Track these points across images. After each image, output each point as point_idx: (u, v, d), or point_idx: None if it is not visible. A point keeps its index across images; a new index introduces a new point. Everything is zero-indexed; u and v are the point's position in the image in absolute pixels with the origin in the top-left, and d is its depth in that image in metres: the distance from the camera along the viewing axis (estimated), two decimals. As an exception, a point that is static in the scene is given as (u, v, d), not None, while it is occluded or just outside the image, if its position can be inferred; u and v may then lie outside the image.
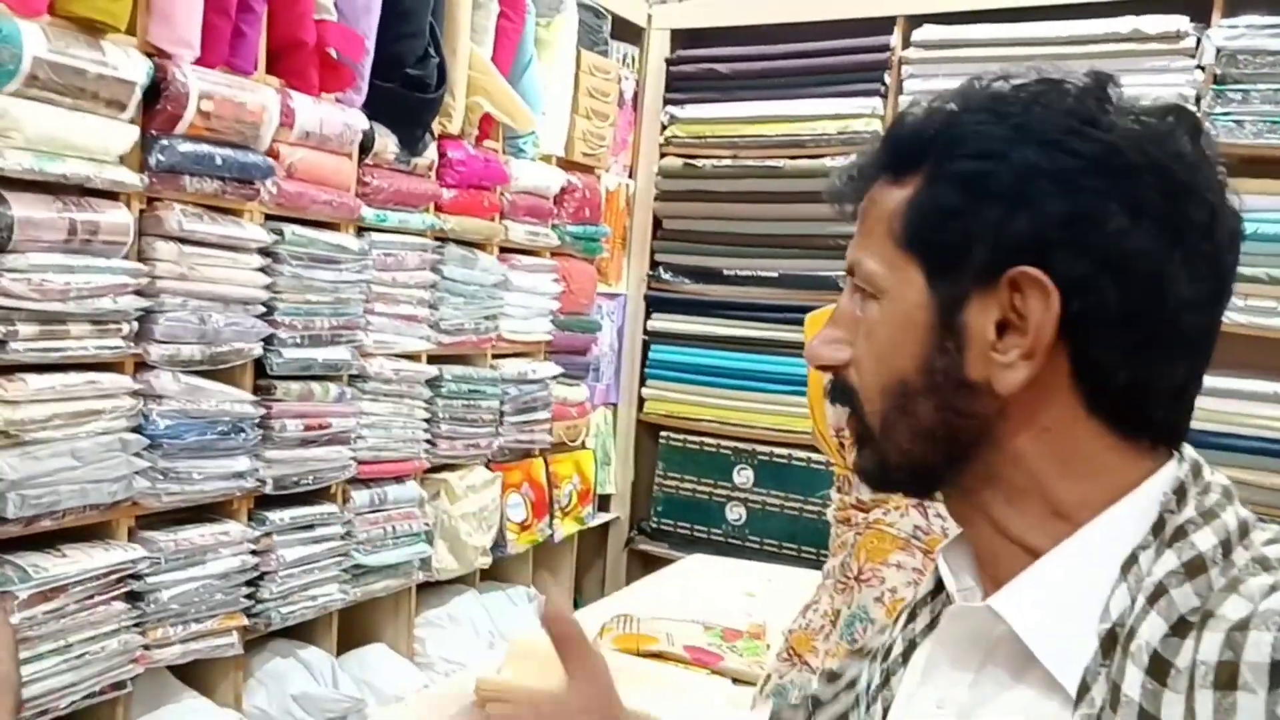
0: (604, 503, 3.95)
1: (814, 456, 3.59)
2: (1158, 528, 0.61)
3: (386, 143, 2.67)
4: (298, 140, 2.39)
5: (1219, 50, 3.00)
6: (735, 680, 1.87)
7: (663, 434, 3.91)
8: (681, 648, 1.93)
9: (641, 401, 4.00)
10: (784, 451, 3.65)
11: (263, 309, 2.36)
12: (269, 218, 2.39)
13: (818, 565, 3.40)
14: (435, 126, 2.82)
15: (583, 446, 3.68)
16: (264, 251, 2.35)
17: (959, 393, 0.64)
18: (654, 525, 3.91)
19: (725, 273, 3.80)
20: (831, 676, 0.90)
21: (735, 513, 3.71)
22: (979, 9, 3.39)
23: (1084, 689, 0.59)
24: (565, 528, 3.56)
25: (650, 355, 3.99)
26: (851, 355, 0.70)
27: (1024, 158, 0.61)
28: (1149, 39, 3.10)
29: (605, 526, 3.99)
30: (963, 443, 0.66)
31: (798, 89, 3.67)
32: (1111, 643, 0.59)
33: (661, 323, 3.96)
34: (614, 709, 0.83)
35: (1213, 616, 0.55)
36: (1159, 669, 0.56)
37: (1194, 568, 0.58)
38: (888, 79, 3.54)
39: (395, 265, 2.76)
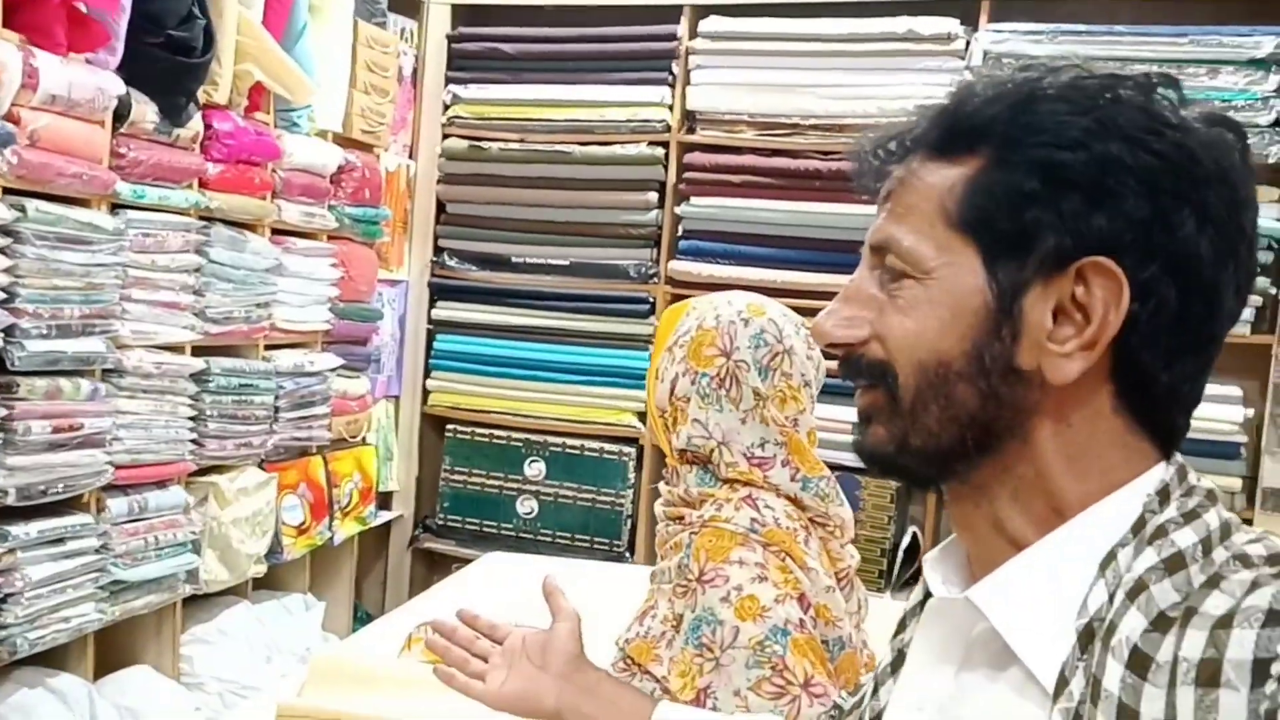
0: (385, 500, 3.78)
1: (606, 447, 3.57)
2: (1138, 526, 0.62)
3: (145, 111, 2.45)
4: (42, 104, 2.16)
5: (986, 53, 3.18)
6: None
7: (449, 427, 3.77)
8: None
9: (426, 393, 3.86)
10: (576, 443, 3.60)
11: (2, 295, 2.13)
12: (8, 191, 2.16)
13: (612, 557, 3.46)
14: (200, 95, 2.61)
15: (364, 442, 3.51)
16: (3, 230, 2.12)
17: (1006, 380, 0.64)
18: (440, 522, 3.77)
19: (514, 260, 3.71)
20: (856, 689, 0.92)
21: (526, 506, 3.63)
22: (764, 2, 3.45)
23: (1062, 683, 0.60)
24: (346, 529, 3.39)
25: (435, 345, 3.84)
26: (872, 332, 0.68)
27: (1107, 151, 0.61)
28: (923, 39, 3.25)
29: (387, 525, 3.83)
30: (993, 432, 0.65)
31: (586, 74, 3.62)
32: (1089, 637, 0.59)
33: (446, 311, 3.82)
34: (583, 656, 1.03)
35: (1195, 613, 0.56)
36: (1139, 663, 0.56)
37: (1173, 564, 0.59)
38: (675, 68, 3.54)
39: (155, 247, 2.55)
